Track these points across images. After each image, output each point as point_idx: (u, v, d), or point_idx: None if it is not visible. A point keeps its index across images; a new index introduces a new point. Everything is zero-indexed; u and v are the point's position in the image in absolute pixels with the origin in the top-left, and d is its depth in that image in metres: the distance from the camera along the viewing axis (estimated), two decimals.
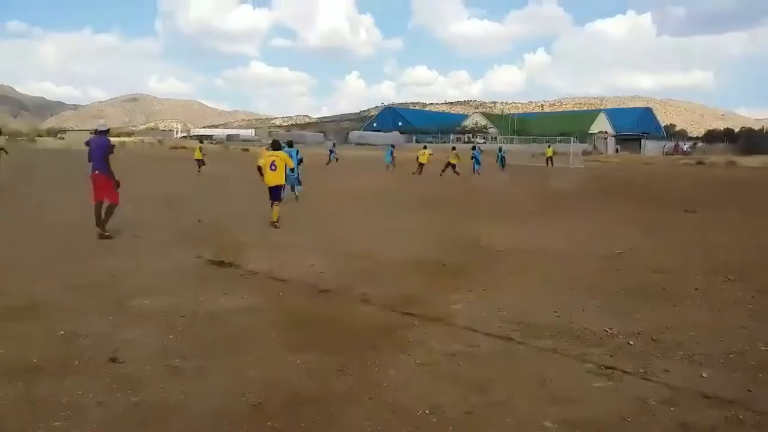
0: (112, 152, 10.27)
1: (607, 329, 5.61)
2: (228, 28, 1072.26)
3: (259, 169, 12.30)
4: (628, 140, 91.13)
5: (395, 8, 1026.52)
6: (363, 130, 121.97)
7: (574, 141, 58.23)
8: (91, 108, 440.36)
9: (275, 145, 12.99)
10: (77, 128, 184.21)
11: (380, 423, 3.69)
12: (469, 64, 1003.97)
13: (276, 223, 12.02)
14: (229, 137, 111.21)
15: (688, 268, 8.54)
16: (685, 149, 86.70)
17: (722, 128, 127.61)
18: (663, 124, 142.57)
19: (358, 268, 8.25)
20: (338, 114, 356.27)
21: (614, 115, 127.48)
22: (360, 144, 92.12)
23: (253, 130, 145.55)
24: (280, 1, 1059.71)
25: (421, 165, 30.91)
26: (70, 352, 4.75)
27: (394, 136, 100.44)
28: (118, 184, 10.26)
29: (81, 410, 3.79)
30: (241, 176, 25.12)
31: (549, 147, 50.31)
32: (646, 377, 4.48)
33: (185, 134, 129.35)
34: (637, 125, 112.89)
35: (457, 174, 29.31)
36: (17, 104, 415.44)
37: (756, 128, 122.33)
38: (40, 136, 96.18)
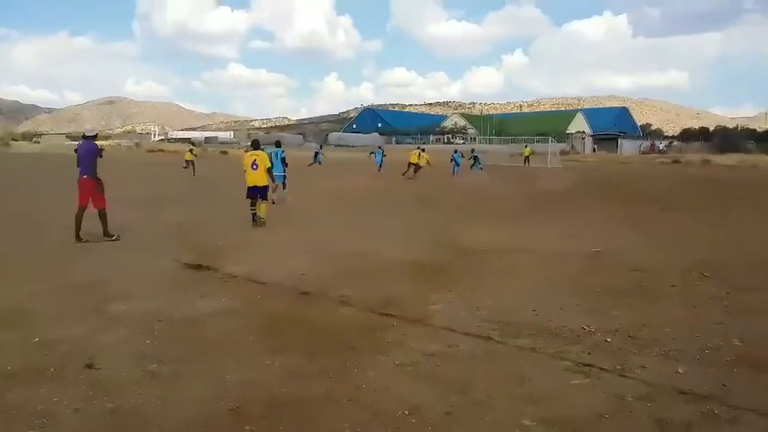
0: (100, 156, 10.34)
1: (585, 327, 5.65)
2: (206, 30, 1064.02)
3: (245, 173, 12.51)
4: (605, 140, 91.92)
5: (374, 10, 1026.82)
6: (342, 132, 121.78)
7: (552, 141, 58.68)
8: (66, 111, 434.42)
9: (255, 145, 13.14)
10: (53, 132, 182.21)
11: (360, 425, 3.68)
12: (448, 65, 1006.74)
13: (263, 219, 12.37)
14: (208, 140, 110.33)
15: (665, 265, 8.64)
16: (661, 148, 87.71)
17: (697, 127, 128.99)
18: (639, 124, 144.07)
19: (338, 269, 8.23)
20: (317, 116, 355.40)
21: (591, 115, 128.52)
22: (340, 146, 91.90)
23: (232, 133, 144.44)
24: (258, 2, 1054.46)
25: (417, 167, 31.26)
26: (46, 359, 4.69)
27: (374, 138, 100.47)
28: (102, 189, 10.23)
29: (56, 418, 3.74)
30: (220, 178, 24.99)
31: (526, 147, 51.05)
32: (623, 374, 4.52)
33: (163, 137, 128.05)
34: (614, 125, 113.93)
35: (414, 174, 29.91)
36: None
37: (730, 127, 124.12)
38: (15, 140, 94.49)
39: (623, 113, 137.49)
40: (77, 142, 11.02)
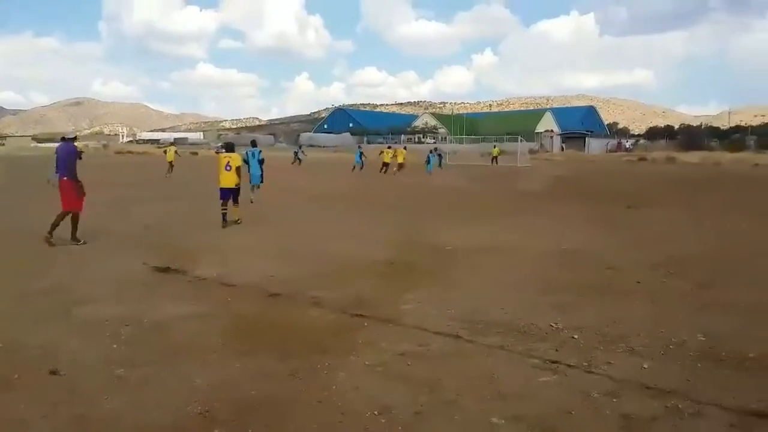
0: (80, 158, 10.27)
1: (553, 324, 5.72)
2: (174, 30, 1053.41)
3: (219, 175, 12.58)
4: (573, 138, 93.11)
5: (344, 9, 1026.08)
6: (313, 132, 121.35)
7: (521, 140, 59.18)
8: (32, 113, 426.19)
9: (229, 147, 13.28)
10: (18, 134, 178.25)
11: (329, 426, 3.68)
12: (418, 65, 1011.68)
13: (238, 221, 12.58)
14: (177, 141, 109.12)
15: (631, 262, 8.78)
16: (627, 146, 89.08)
17: (663, 125, 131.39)
18: (606, 123, 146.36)
19: (309, 270, 8.20)
20: (288, 116, 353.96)
21: (559, 114, 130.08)
22: (311, 146, 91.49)
23: (202, 134, 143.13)
24: (227, 2, 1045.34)
25: (400, 165, 32.90)
26: (11, 366, 4.60)
27: (345, 138, 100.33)
28: (83, 193, 10.19)
29: (22, 425, 3.69)
30: (191, 180, 24.73)
31: (495, 147, 51.57)
32: (590, 370, 4.59)
33: (131, 138, 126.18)
34: (581, 124, 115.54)
35: (384, 172, 31.52)
36: None
37: (695, 125, 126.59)
38: None
39: (591, 112, 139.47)
40: (57, 144, 10.94)
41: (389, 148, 36.23)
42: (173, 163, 29.25)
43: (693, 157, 58.03)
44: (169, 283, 7.48)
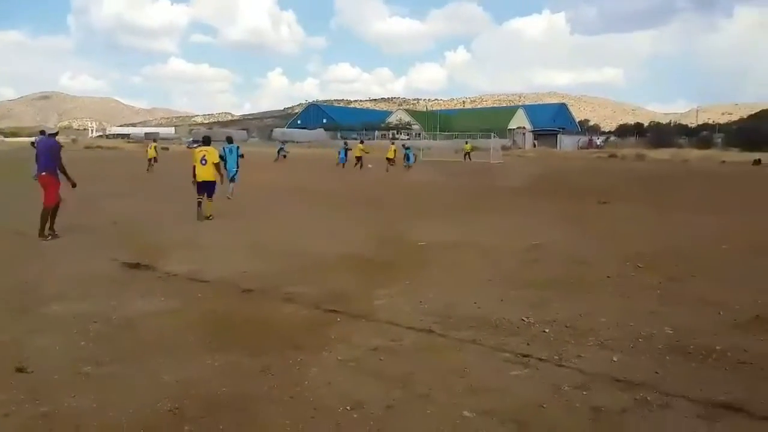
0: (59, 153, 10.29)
1: (524, 318, 5.76)
2: (145, 23, 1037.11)
3: (195, 168, 12.55)
4: (545, 135, 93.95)
5: (317, 6, 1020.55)
6: (287, 128, 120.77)
7: (494, 136, 59.60)
8: None
9: (206, 141, 13.26)
10: None
11: (301, 422, 3.66)
12: (392, 61, 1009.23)
13: (210, 217, 12.48)
14: (148, 135, 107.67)
15: (601, 257, 8.89)
16: (598, 143, 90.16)
17: (633, 123, 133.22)
18: (578, 120, 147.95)
19: (283, 266, 8.15)
20: (262, 111, 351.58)
21: (532, 111, 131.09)
22: (285, 141, 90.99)
23: (173, 128, 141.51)
24: None
25: (389, 160, 33.60)
26: None
27: (318, 134, 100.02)
28: (73, 185, 10.36)
29: None
30: (163, 175, 24.42)
31: (467, 143, 51.88)
32: (561, 364, 4.63)
33: (101, 133, 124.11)
34: (553, 121, 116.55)
35: (360, 168, 32.36)
36: None
37: (664, 122, 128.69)
38: None
39: (562, 109, 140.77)
40: (36, 138, 11.24)
41: (361, 143, 36.83)
42: (156, 158, 29.52)
43: (662, 154, 59.07)
44: (139, 279, 7.37)
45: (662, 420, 3.74)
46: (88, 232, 10.54)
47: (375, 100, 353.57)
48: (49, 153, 10.18)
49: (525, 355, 4.79)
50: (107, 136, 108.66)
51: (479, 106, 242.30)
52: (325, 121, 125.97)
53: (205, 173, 12.52)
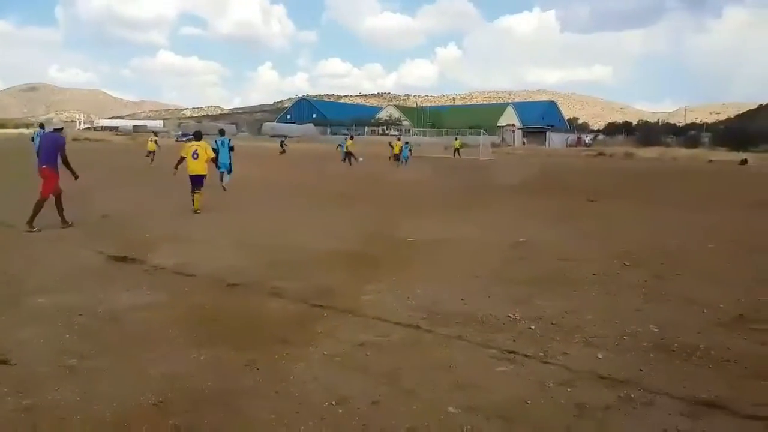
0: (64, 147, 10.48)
1: (511, 315, 5.78)
2: (133, 15, 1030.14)
3: (181, 159, 12.77)
4: (534, 133, 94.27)
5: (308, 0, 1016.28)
6: (277, 122, 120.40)
7: (483, 133, 59.72)
8: None
9: (197, 135, 13.50)
10: None
11: (286, 417, 3.65)
12: (383, 57, 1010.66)
13: (198, 211, 12.56)
14: (136, 128, 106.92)
15: (588, 254, 8.93)
16: (586, 141, 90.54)
17: (621, 121, 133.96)
18: (566, 118, 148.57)
19: (270, 261, 8.13)
20: (251, 105, 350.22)
21: (521, 108, 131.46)
22: (274, 136, 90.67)
23: (162, 122, 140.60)
24: None
25: (396, 155, 35.16)
26: None
27: (308, 129, 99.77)
28: (75, 177, 10.58)
29: None
30: (155, 168, 24.27)
31: (456, 140, 52.03)
32: (546, 360, 4.65)
33: (89, 125, 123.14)
34: (542, 118, 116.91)
35: (350, 163, 32.97)
36: None
37: (652, 121, 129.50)
38: None
39: (551, 107, 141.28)
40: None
41: (351, 138, 37.17)
42: (154, 151, 29.82)
43: (650, 152, 59.38)
44: (126, 272, 7.33)
45: (646, 417, 3.77)
46: (76, 225, 10.44)
47: (365, 95, 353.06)
48: (53, 147, 10.36)
49: (511, 352, 4.81)
50: (95, 129, 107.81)
51: (469, 103, 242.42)
52: (314, 116, 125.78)
53: (198, 167, 12.74)
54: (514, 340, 5.09)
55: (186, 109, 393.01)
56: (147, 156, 29.54)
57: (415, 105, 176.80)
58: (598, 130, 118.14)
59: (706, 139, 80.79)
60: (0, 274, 7.04)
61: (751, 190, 22.74)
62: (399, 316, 5.71)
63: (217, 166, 15.10)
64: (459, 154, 48.14)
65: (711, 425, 3.69)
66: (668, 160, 51.84)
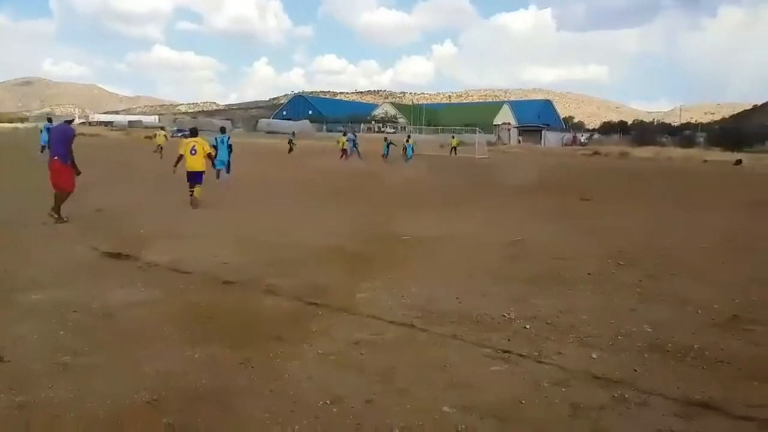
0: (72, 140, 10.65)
1: (506, 314, 5.79)
2: (130, 9, 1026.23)
3: (180, 157, 12.95)
4: (530, 131, 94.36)
5: None
6: (272, 118, 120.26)
7: (479, 132, 59.76)
8: None
9: (194, 132, 13.78)
10: None
11: (280, 415, 3.65)
12: (379, 53, 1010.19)
13: (197, 201, 12.85)
14: (131, 123, 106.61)
15: (583, 254, 8.93)
16: (582, 140, 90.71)
17: (616, 120, 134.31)
18: (562, 116, 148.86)
19: (266, 258, 8.11)
20: (247, 101, 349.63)
21: (517, 107, 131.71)
22: (270, 132, 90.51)
23: (157, 117, 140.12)
24: None
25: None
26: None
27: (304, 125, 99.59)
28: (78, 173, 10.66)
29: None
30: (148, 164, 24.17)
31: (453, 138, 52.04)
32: (541, 360, 4.66)
33: (84, 120, 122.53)
34: (538, 117, 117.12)
35: (344, 159, 34.19)
36: None
37: (647, 120, 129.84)
38: None
39: (547, 106, 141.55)
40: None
41: (344, 135, 38.10)
42: (162, 145, 31.30)
43: (645, 152, 59.52)
44: (121, 269, 7.30)
45: (640, 417, 3.78)
46: (72, 220, 10.39)
47: (361, 92, 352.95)
48: (63, 139, 10.53)
49: (506, 351, 4.81)
50: (90, 123, 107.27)
51: (465, 101, 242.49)
52: (310, 112, 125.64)
53: (196, 163, 12.91)
54: (508, 340, 5.10)
55: (181, 104, 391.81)
56: (156, 151, 30.36)
57: (411, 102, 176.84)
58: (594, 129, 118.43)
59: (701, 139, 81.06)
60: None
61: (746, 191, 22.81)
62: (394, 315, 5.71)
63: (213, 165, 15.12)
64: (455, 152, 48.18)
65: (705, 426, 3.70)
66: (663, 160, 51.96)
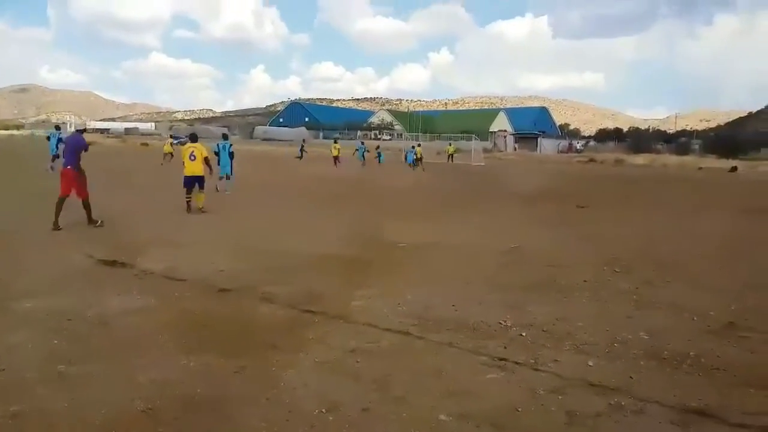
0: (86, 150, 10.80)
1: (502, 322, 5.78)
2: (126, 17, 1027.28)
3: (185, 164, 13.18)
4: (526, 139, 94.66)
5: (301, 2, 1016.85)
6: (269, 126, 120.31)
7: (475, 139, 59.94)
8: None
9: (193, 138, 13.87)
10: None
11: (276, 424, 3.63)
12: (376, 61, 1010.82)
13: (201, 208, 13.08)
14: (128, 130, 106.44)
15: (579, 261, 8.95)
16: (577, 148, 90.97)
17: (612, 127, 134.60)
18: (558, 124, 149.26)
19: (262, 265, 8.09)
20: (244, 108, 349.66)
21: (513, 114, 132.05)
22: (266, 140, 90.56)
23: (153, 124, 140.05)
24: None
25: (419, 159, 37.82)
26: None
27: (300, 132, 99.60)
28: (84, 179, 10.72)
29: None
30: (144, 171, 24.14)
31: (450, 145, 52.20)
32: (537, 367, 4.65)
33: (82, 128, 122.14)
34: (534, 124, 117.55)
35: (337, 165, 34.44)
36: None
37: (642, 128, 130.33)
38: None
39: (543, 113, 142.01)
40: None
41: (335, 142, 38.39)
42: (171, 153, 31.80)
43: (640, 159, 59.75)
44: (116, 276, 7.27)
45: (636, 425, 3.77)
46: (67, 228, 10.36)
47: (358, 99, 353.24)
48: (74, 149, 10.64)
49: (502, 359, 4.80)
50: (86, 131, 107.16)
51: (461, 108, 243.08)
52: (307, 119, 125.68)
53: (195, 168, 13.06)
54: (505, 347, 5.09)
55: (178, 111, 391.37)
56: (163, 162, 30.84)
57: (407, 110, 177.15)
58: (590, 137, 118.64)
59: (697, 147, 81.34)
60: None
61: (741, 198, 22.90)
62: (390, 323, 5.69)
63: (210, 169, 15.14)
64: (452, 160, 48.38)
65: None
66: (658, 167, 52.21)
